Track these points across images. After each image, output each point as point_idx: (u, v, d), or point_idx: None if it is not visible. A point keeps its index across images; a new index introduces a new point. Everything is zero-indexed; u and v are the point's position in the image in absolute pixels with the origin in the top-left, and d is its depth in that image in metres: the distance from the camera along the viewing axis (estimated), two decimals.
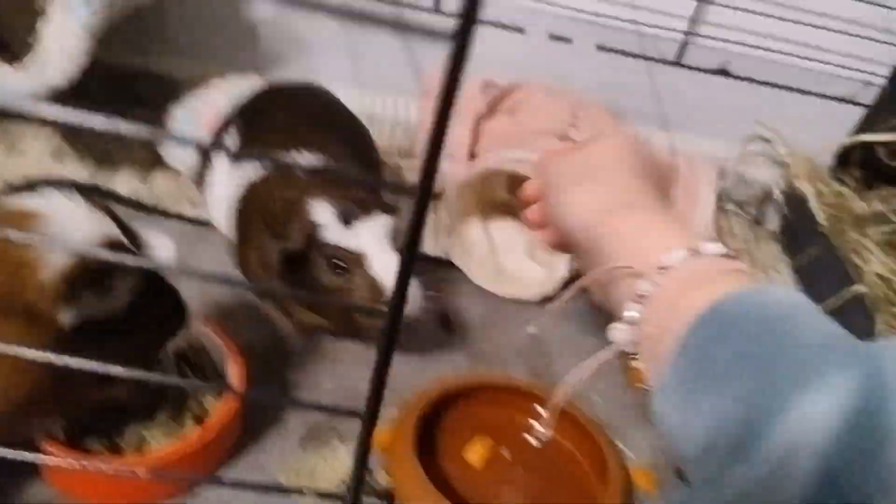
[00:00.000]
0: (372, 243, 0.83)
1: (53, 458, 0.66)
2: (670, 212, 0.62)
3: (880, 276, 1.15)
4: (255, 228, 0.87)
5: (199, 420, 0.77)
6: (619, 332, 0.55)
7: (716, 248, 0.54)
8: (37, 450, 0.68)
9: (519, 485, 0.82)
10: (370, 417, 0.32)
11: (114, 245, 0.63)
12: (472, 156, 1.19)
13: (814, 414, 0.41)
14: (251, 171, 0.91)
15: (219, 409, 0.78)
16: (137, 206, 1.09)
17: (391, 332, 0.29)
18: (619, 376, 1.00)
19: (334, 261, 0.83)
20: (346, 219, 0.83)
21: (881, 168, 1.34)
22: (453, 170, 1.18)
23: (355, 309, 0.86)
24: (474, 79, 1.22)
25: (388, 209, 0.85)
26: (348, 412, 0.48)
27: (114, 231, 0.65)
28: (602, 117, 1.19)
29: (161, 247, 0.69)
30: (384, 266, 0.82)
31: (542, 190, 0.70)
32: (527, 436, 0.87)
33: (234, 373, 0.80)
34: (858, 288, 1.10)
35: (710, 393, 0.45)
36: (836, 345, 0.45)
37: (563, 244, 0.70)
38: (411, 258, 0.28)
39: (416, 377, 0.91)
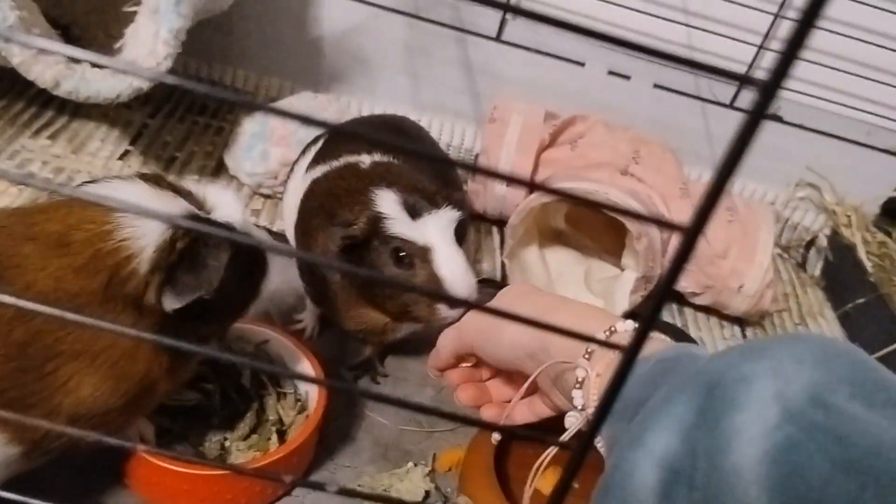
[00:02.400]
0: (438, 237, 0.80)
1: (154, 454, 0.66)
2: (581, 305, 0.70)
3: None
4: (317, 221, 0.85)
5: (280, 433, 0.78)
6: (570, 419, 0.63)
7: (627, 324, 0.62)
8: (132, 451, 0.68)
9: None
10: (583, 449, 0.32)
11: (195, 218, 0.63)
12: (534, 185, 1.20)
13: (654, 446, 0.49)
14: (318, 171, 0.90)
15: (299, 421, 0.78)
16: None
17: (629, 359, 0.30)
18: None
19: (399, 252, 0.80)
20: (413, 211, 0.80)
21: None
22: (514, 196, 1.19)
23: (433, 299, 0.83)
24: (537, 109, 1.24)
25: (456, 204, 0.83)
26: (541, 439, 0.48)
27: (188, 207, 0.64)
28: (663, 154, 1.20)
29: (227, 203, 0.67)
30: (448, 261, 0.80)
31: (465, 348, 0.74)
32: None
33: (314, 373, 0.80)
34: None
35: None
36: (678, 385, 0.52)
37: (508, 373, 0.75)
38: (664, 296, 0.28)
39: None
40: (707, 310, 1.22)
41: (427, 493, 0.79)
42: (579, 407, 0.61)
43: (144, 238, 0.59)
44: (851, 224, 1.34)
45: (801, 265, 1.41)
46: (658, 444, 0.49)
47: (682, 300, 1.22)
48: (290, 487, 0.76)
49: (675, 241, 1.15)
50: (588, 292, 1.16)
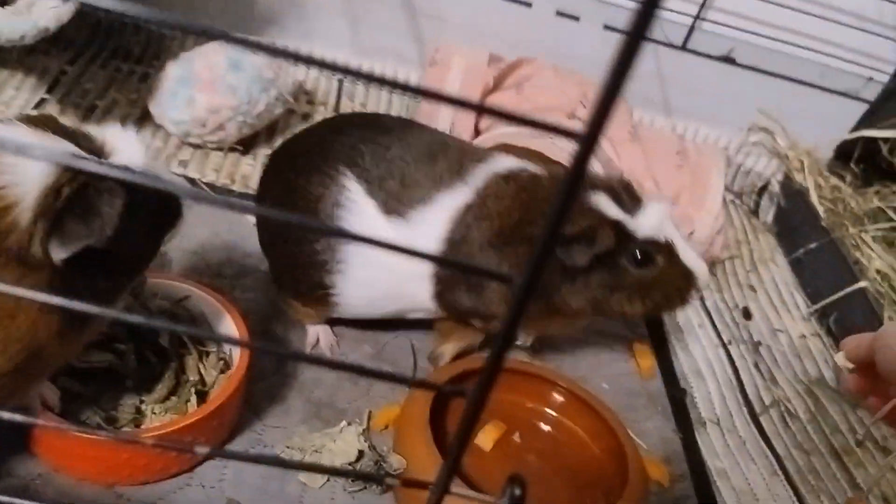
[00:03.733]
0: (671, 230, 0.79)
1: (50, 422, 0.61)
2: None
3: (881, 273, 1.15)
4: (510, 249, 0.77)
5: (201, 395, 0.73)
6: None
7: None
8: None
9: (528, 470, 0.80)
10: (478, 400, 0.28)
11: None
12: (478, 131, 1.15)
13: None
14: (459, 196, 0.79)
15: (221, 380, 0.73)
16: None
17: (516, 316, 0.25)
18: (627, 364, 0.98)
19: (641, 253, 0.77)
20: (629, 209, 0.78)
21: (881, 164, 1.34)
22: None
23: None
24: (480, 52, 1.18)
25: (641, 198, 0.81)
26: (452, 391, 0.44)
27: (74, 149, 0.57)
28: None
29: (127, 146, 0.60)
30: (689, 251, 0.80)
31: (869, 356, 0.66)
32: (539, 422, 0.84)
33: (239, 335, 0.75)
34: (862, 284, 1.09)
35: None
36: None
37: None
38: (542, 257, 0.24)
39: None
40: None
41: (361, 453, 0.76)
42: None
43: (24, 185, 0.53)
44: (804, 168, 1.31)
45: (754, 211, 1.39)
46: None
47: None
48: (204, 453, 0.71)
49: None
50: None
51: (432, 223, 0.78)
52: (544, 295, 0.79)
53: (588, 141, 0.23)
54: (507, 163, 0.81)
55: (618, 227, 0.76)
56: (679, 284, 0.80)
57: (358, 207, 0.79)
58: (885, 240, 1.24)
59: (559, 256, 0.75)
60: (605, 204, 0.77)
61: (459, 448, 0.30)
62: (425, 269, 0.79)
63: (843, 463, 0.94)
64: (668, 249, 0.79)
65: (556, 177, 0.80)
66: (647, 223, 0.77)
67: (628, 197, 0.79)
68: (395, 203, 0.78)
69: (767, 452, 0.93)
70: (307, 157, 0.83)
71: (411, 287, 0.81)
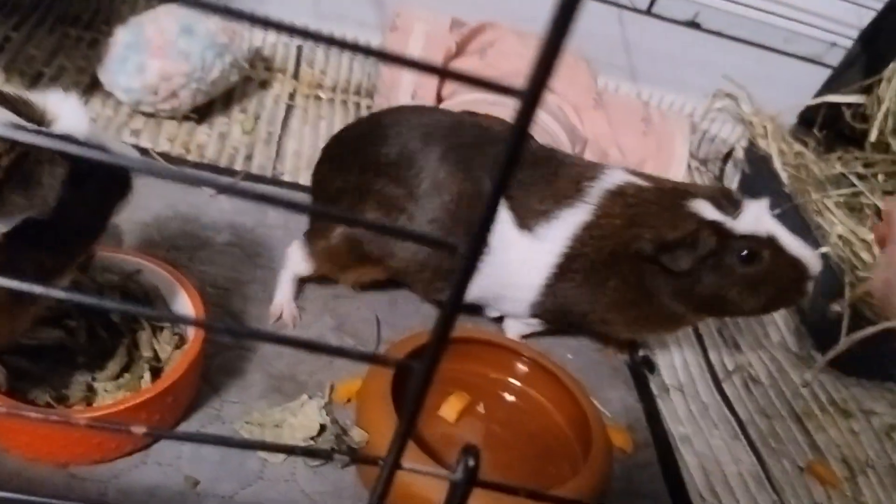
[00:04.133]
0: (772, 224, 0.81)
1: None
2: None
3: (842, 238, 1.16)
4: (631, 264, 0.82)
5: (156, 371, 0.71)
6: None
7: None
8: None
9: (491, 440, 0.79)
10: (427, 373, 0.26)
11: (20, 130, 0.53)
12: (440, 97, 1.13)
13: None
14: (578, 214, 0.82)
15: (177, 356, 0.71)
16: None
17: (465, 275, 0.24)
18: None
19: (745, 250, 0.79)
20: (729, 210, 0.80)
21: (844, 130, 1.35)
22: None
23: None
24: (442, 17, 1.16)
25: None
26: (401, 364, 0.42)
27: (12, 117, 0.54)
28: (576, 64, 1.14)
29: (70, 113, 0.57)
30: (795, 242, 0.81)
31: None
32: (502, 392, 0.84)
33: (194, 313, 0.73)
34: (824, 249, 1.10)
35: None
36: None
37: None
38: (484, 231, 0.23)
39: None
40: None
41: (322, 427, 0.74)
42: None
43: None
44: (768, 135, 1.31)
45: (719, 178, 1.39)
46: None
47: None
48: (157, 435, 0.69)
49: (589, 154, 1.10)
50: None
51: (554, 239, 0.82)
52: (653, 301, 0.83)
53: (529, 98, 0.22)
54: (616, 177, 0.84)
55: (718, 228, 0.79)
56: (791, 275, 0.82)
57: (500, 218, 0.81)
58: (846, 205, 1.25)
59: (664, 262, 0.78)
60: (704, 209, 0.79)
61: (409, 423, 0.28)
62: (538, 280, 0.84)
63: (804, 426, 0.96)
64: (771, 243, 0.80)
65: (659, 188, 0.83)
66: (746, 221, 0.80)
67: (728, 202, 0.81)
68: (525, 217, 0.82)
69: (730, 417, 0.93)
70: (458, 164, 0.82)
71: (515, 292, 0.86)
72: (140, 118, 1.06)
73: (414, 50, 1.11)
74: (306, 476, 0.71)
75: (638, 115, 1.14)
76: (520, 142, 0.22)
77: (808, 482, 0.89)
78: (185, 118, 1.08)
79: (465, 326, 0.91)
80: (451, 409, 0.79)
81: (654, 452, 0.85)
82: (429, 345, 0.26)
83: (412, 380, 0.27)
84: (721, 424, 0.92)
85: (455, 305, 0.24)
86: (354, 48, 0.25)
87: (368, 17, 1.27)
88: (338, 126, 1.20)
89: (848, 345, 0.97)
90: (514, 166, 0.22)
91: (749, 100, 1.36)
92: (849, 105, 1.32)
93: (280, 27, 0.25)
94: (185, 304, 0.73)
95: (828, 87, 1.35)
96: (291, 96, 1.22)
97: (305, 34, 0.25)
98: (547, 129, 1.01)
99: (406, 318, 0.91)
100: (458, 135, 0.83)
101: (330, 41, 0.25)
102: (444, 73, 0.23)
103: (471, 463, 0.31)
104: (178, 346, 0.73)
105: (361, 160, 0.83)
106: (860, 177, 1.29)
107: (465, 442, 0.77)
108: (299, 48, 1.28)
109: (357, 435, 0.73)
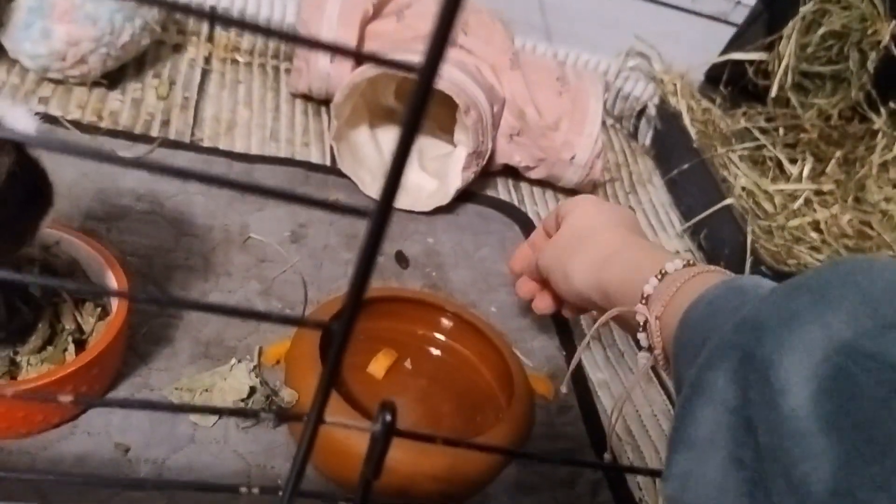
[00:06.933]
0: None
1: None
2: (640, 242, 0.74)
3: (746, 190, 1.22)
4: None
5: (80, 343, 0.71)
6: (642, 359, 0.66)
7: (675, 264, 0.63)
8: None
9: (420, 394, 0.82)
10: (345, 330, 0.28)
11: None
12: (359, 59, 1.13)
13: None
14: None
15: (101, 328, 0.71)
16: None
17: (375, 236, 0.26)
18: (512, 287, 1.01)
19: None
20: None
21: (748, 86, 1.41)
22: (339, 73, 1.12)
23: None
24: None
25: None
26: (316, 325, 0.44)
27: None
28: (492, 24, 1.16)
29: (19, 119, 0.56)
30: None
31: (542, 273, 0.82)
32: (429, 347, 0.87)
33: (116, 284, 0.73)
34: (728, 201, 1.16)
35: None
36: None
37: (578, 307, 0.84)
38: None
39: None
40: (542, 183, 1.22)
41: (252, 389, 0.76)
42: (646, 347, 0.64)
43: None
44: (677, 92, 1.36)
45: (633, 135, 1.44)
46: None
47: (517, 175, 1.21)
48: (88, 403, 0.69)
49: (507, 114, 1.13)
50: (423, 172, 1.12)
51: None
52: None
53: (426, 74, 0.24)
54: None
55: None
56: None
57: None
58: (750, 158, 1.32)
59: None
60: None
61: (329, 379, 0.30)
62: None
63: None
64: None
65: None
66: None
67: None
68: None
69: None
70: None
71: None
72: (48, 85, 1.03)
73: (332, 11, 1.10)
74: (238, 438, 0.73)
75: (553, 75, 1.16)
76: (418, 116, 0.24)
77: None
78: (96, 84, 1.05)
79: (391, 286, 0.94)
80: (378, 366, 0.82)
81: (574, 396, 0.90)
82: (344, 306, 0.28)
83: (332, 339, 0.29)
84: (635, 368, 0.97)
85: (367, 267, 0.26)
86: (267, 32, 0.26)
87: None
88: (257, 90, 1.19)
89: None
90: (412, 138, 0.24)
91: (660, 58, 1.41)
92: (752, 62, 1.38)
93: None
94: (107, 275, 0.73)
95: (732, 44, 1.41)
96: (207, 60, 1.20)
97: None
98: (466, 90, 1.03)
99: (332, 281, 0.92)
100: None
101: (241, 25, 0.26)
102: (354, 55, 0.25)
103: (388, 418, 0.33)
104: (101, 318, 0.73)
105: None
106: (763, 131, 1.36)
107: (393, 397, 0.80)
108: (213, 9, 1.25)
109: (287, 395, 0.74)
